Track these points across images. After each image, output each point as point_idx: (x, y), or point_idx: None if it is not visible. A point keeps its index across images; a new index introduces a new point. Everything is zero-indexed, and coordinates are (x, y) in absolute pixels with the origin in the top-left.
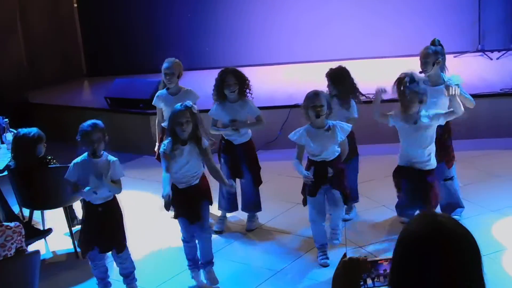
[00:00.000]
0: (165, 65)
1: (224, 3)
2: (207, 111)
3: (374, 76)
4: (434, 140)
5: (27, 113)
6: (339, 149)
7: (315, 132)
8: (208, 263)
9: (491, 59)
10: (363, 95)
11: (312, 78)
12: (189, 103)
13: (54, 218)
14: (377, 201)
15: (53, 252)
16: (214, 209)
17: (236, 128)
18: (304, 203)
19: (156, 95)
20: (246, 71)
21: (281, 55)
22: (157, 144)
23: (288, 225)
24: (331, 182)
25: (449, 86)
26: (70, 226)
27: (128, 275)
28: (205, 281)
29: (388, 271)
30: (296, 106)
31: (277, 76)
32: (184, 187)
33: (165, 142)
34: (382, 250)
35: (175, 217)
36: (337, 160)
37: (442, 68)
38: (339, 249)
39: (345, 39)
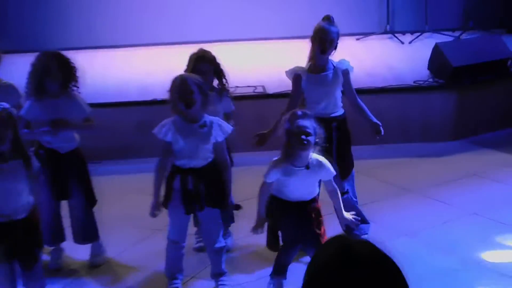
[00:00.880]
0: None
1: None
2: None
3: (257, 61)
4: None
5: None
6: (212, 154)
7: (187, 126)
8: None
9: (402, 42)
10: (225, 86)
11: (179, 63)
12: (5, 104)
13: None
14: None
15: None
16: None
17: (57, 129)
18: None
19: None
20: (81, 56)
21: (132, 35)
22: None
23: (145, 259)
24: (202, 198)
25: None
26: None
27: None
28: None
29: None
30: (155, 102)
31: (131, 63)
32: (5, 221)
33: None
34: None
35: None
36: (210, 171)
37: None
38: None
39: (222, 17)
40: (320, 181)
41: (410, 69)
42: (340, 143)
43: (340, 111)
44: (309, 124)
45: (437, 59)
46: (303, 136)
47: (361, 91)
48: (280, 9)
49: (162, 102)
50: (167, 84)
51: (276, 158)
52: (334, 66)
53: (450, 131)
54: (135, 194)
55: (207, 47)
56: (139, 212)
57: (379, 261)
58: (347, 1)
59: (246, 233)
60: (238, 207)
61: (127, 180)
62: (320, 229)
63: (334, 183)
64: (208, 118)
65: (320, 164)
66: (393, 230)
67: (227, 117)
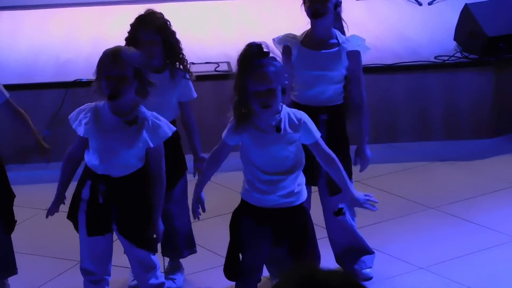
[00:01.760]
0: None
1: None
2: None
3: (221, 26)
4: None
5: None
6: (141, 161)
7: (109, 119)
8: None
9: (420, 4)
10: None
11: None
12: None
13: None
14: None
15: None
16: None
17: None
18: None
19: None
20: None
21: None
22: None
23: None
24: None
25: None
26: None
27: None
28: None
29: None
30: (79, 83)
31: (46, 29)
32: None
33: None
34: None
35: None
36: (133, 185)
37: (338, 19)
38: None
39: None
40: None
41: (430, 40)
42: (330, 143)
43: (336, 102)
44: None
45: (467, 26)
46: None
47: (364, 70)
48: None
49: (88, 83)
50: (96, 59)
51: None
52: (338, 43)
53: (484, 125)
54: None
55: (157, 7)
56: (53, 236)
57: None
58: None
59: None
60: None
61: (34, 191)
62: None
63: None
64: (142, 112)
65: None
66: (405, 261)
67: (184, 108)
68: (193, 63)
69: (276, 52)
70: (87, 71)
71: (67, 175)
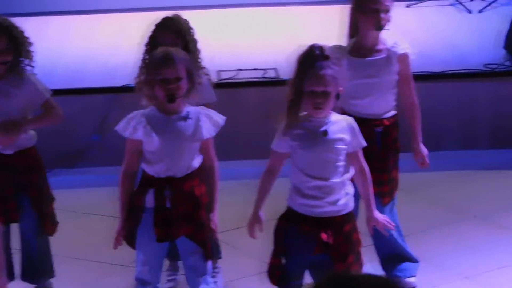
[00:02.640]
0: None
1: None
2: None
3: (268, 35)
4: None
5: None
6: (199, 158)
7: (163, 119)
8: None
9: (470, 11)
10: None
11: None
12: None
13: None
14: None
15: None
16: None
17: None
18: None
19: None
20: (24, 25)
21: None
22: None
23: None
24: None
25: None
26: None
27: None
28: None
29: None
30: (127, 88)
31: (92, 35)
32: None
33: None
34: None
35: None
36: (194, 181)
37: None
38: None
39: None
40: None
41: (479, 48)
42: (383, 154)
43: (390, 113)
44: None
45: None
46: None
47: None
48: None
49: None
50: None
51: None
52: (387, 48)
53: None
54: (89, 215)
55: (200, 14)
56: (96, 241)
57: None
58: None
59: (241, 272)
60: None
61: (80, 195)
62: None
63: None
64: (190, 107)
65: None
66: (449, 270)
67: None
68: (241, 70)
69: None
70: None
71: (128, 192)
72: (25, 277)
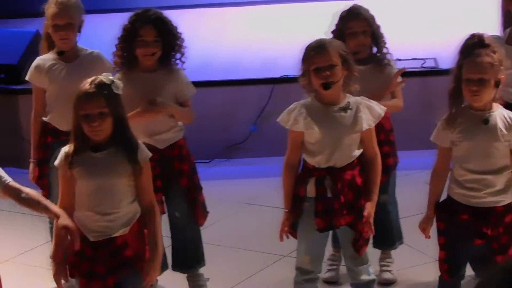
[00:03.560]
0: (53, 8)
1: None
2: None
3: (426, 23)
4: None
5: None
6: (360, 148)
7: (323, 110)
8: None
9: None
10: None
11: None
12: (107, 76)
13: None
14: (422, 250)
15: None
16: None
17: (156, 109)
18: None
19: (35, 63)
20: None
21: None
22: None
23: None
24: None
25: None
26: None
27: None
28: None
29: None
30: (286, 79)
31: (249, 26)
32: (99, 240)
33: (64, 149)
34: None
35: None
36: (355, 171)
37: None
38: None
39: None
40: None
41: None
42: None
43: None
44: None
45: None
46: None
47: None
48: None
49: (294, 80)
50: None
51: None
52: None
53: None
54: (245, 205)
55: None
56: (252, 231)
57: None
58: None
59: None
60: None
61: (239, 186)
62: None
63: None
64: (351, 98)
65: None
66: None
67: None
68: (399, 59)
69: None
70: (294, 68)
71: (291, 183)
72: (177, 266)
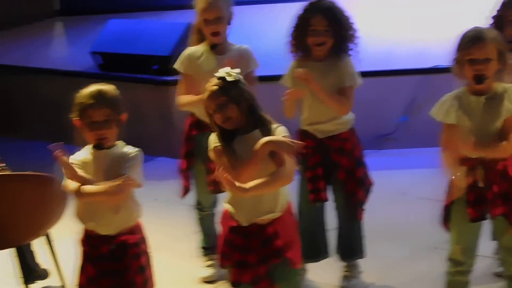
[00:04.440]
0: (203, 3)
1: None
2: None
3: None
4: None
5: None
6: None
7: (473, 101)
8: None
9: None
10: None
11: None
12: (229, 71)
13: None
14: None
15: None
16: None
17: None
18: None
19: (186, 52)
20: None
21: None
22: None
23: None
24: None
25: None
26: (25, 283)
27: None
28: None
29: None
30: (437, 69)
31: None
32: (251, 229)
33: (212, 137)
34: None
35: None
36: (507, 160)
37: None
38: None
39: None
40: None
41: None
42: None
43: None
44: None
45: None
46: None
47: None
48: None
49: (445, 70)
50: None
51: None
52: None
53: None
54: (397, 196)
55: None
56: (404, 222)
57: None
58: None
59: None
60: None
61: (384, 177)
62: None
63: None
64: (499, 85)
65: None
66: None
67: None
68: None
69: None
70: (445, 58)
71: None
72: (337, 253)
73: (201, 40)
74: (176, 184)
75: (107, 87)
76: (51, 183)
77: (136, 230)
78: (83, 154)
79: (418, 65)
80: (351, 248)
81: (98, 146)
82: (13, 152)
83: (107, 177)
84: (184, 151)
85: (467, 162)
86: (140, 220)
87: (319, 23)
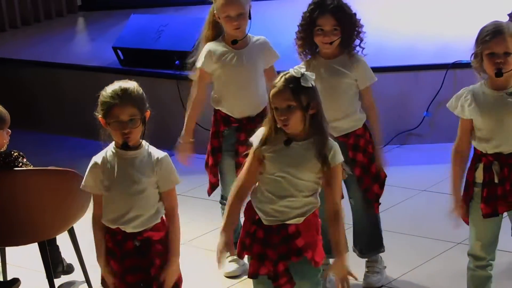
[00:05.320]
0: (222, 0)
1: None
2: None
3: None
4: None
5: None
6: None
7: (490, 96)
8: None
9: None
10: None
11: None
12: (298, 69)
13: (23, 261)
14: None
15: None
16: None
17: None
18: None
19: (206, 49)
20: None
21: None
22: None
23: (437, 283)
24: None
25: None
26: (50, 277)
27: None
28: None
29: None
30: (459, 64)
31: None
32: (272, 225)
33: (260, 133)
34: None
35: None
36: None
37: None
38: None
39: None
40: None
41: None
42: None
43: None
44: None
45: None
46: None
47: None
48: None
49: (468, 65)
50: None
51: None
52: None
53: None
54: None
55: None
56: (425, 217)
57: None
58: None
59: None
60: None
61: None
62: None
63: None
64: None
65: None
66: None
67: None
68: None
69: None
70: (468, 53)
71: (459, 171)
72: (356, 249)
73: (217, 35)
74: (200, 180)
75: (131, 85)
76: (75, 178)
77: (160, 227)
78: (107, 154)
79: (441, 60)
80: (369, 243)
81: (123, 146)
82: (35, 145)
83: (130, 179)
84: (211, 147)
85: (483, 158)
86: (164, 217)
87: (327, 22)
